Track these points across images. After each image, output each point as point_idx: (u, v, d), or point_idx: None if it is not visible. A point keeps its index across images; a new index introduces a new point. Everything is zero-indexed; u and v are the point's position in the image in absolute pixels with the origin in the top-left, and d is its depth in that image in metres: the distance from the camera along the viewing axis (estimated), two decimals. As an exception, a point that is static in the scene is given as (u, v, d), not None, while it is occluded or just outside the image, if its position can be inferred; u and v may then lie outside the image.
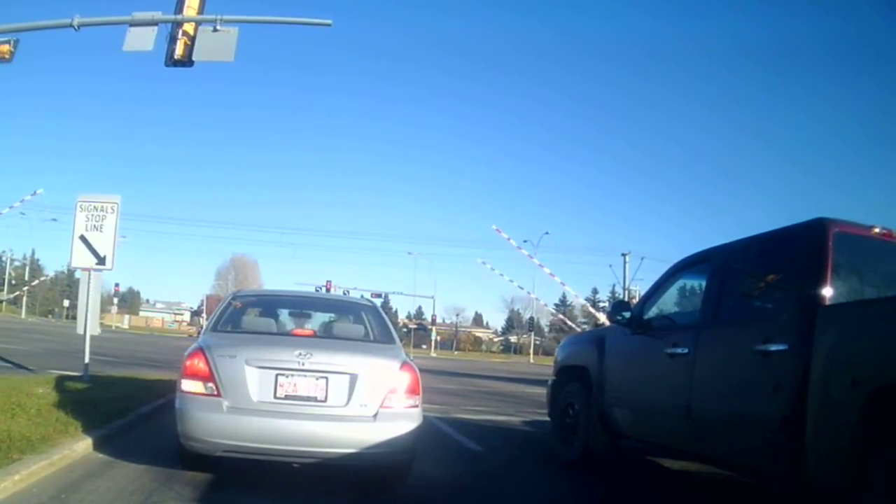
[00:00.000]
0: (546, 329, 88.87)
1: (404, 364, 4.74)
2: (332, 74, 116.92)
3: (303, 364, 4.47)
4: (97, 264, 9.65)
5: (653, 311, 5.71)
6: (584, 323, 57.27)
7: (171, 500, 4.20)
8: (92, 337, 9.96)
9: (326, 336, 5.53)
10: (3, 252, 69.03)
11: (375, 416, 4.49)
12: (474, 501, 5.08)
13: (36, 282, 70.59)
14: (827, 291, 3.90)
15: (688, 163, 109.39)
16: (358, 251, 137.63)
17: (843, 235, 4.11)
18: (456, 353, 72.80)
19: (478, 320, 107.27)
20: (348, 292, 42.73)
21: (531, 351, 65.95)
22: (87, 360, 9.62)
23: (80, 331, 10.03)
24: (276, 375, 4.45)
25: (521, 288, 52.96)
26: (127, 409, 7.04)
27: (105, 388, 8.52)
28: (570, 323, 56.85)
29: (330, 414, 4.45)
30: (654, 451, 6.75)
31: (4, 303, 64.97)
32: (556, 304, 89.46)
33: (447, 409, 10.86)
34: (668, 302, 5.85)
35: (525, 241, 55.42)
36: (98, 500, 4.08)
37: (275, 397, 4.43)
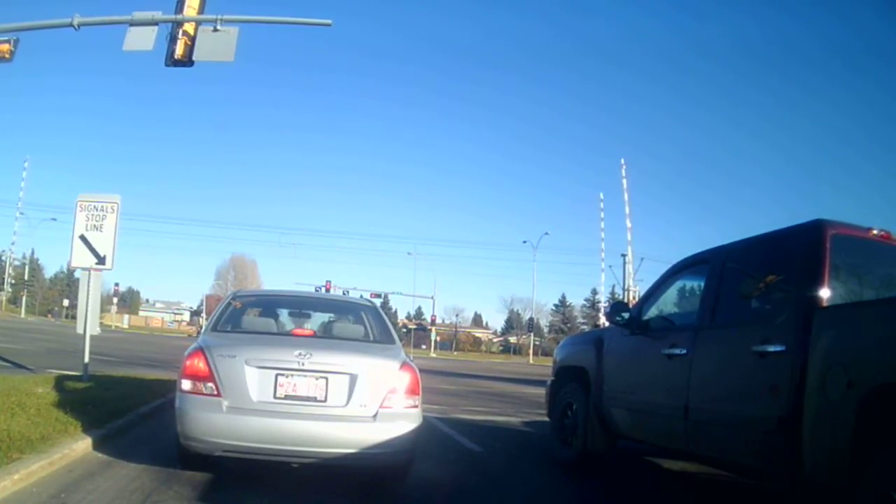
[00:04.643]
0: (545, 329, 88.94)
1: (404, 364, 4.75)
2: (332, 74, 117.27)
3: (302, 364, 4.48)
4: (97, 264, 9.65)
5: (651, 312, 5.72)
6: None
7: (170, 500, 4.21)
8: (91, 336, 9.95)
9: (326, 336, 5.54)
10: (3, 251, 68.93)
11: (375, 416, 4.50)
12: (474, 502, 5.09)
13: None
14: (824, 293, 3.91)
15: (687, 164, 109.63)
16: (358, 251, 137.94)
17: (841, 237, 4.12)
18: (455, 353, 72.75)
19: (477, 321, 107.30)
20: (348, 292, 42.73)
21: (531, 351, 65.95)
22: (86, 359, 9.62)
23: (79, 330, 10.03)
24: (276, 375, 4.46)
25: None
26: (126, 408, 7.05)
27: (105, 388, 8.53)
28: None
29: (330, 414, 4.46)
30: (652, 452, 6.76)
31: (5, 300, 64.88)
32: (555, 305, 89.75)
33: (447, 409, 10.87)
34: (667, 303, 5.86)
35: (524, 242, 55.77)
36: (98, 500, 4.09)
37: (274, 397, 4.44)
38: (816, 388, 3.59)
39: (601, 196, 56.36)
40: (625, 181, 47.64)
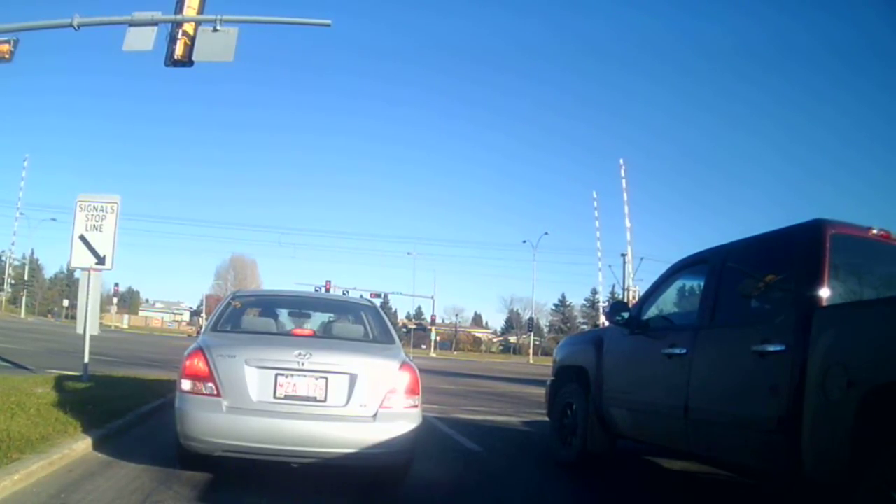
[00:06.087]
0: (545, 329, 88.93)
1: (404, 364, 4.75)
2: (332, 74, 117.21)
3: (302, 364, 4.48)
4: (97, 264, 9.66)
5: (651, 312, 5.72)
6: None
7: (170, 500, 4.21)
8: (91, 337, 9.96)
9: (326, 336, 5.54)
10: (3, 251, 68.84)
11: (375, 416, 4.50)
12: (474, 502, 5.08)
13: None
14: (824, 292, 3.91)
15: (687, 163, 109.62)
16: (358, 251, 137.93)
17: (841, 237, 4.12)
18: (455, 353, 72.75)
19: (477, 321, 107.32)
20: (348, 292, 42.72)
21: (530, 351, 65.95)
22: (86, 359, 9.63)
23: (79, 330, 10.03)
24: (276, 375, 4.46)
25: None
26: (126, 408, 7.05)
27: (104, 388, 8.53)
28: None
29: (329, 414, 4.46)
30: (652, 452, 6.76)
31: (5, 300, 64.81)
32: (555, 305, 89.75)
33: (446, 409, 10.87)
34: (667, 303, 5.86)
35: (524, 242, 55.77)
36: (98, 500, 4.09)
37: (274, 397, 4.44)
38: (816, 387, 3.59)
39: (594, 195, 56.29)
40: (624, 181, 47.72)
